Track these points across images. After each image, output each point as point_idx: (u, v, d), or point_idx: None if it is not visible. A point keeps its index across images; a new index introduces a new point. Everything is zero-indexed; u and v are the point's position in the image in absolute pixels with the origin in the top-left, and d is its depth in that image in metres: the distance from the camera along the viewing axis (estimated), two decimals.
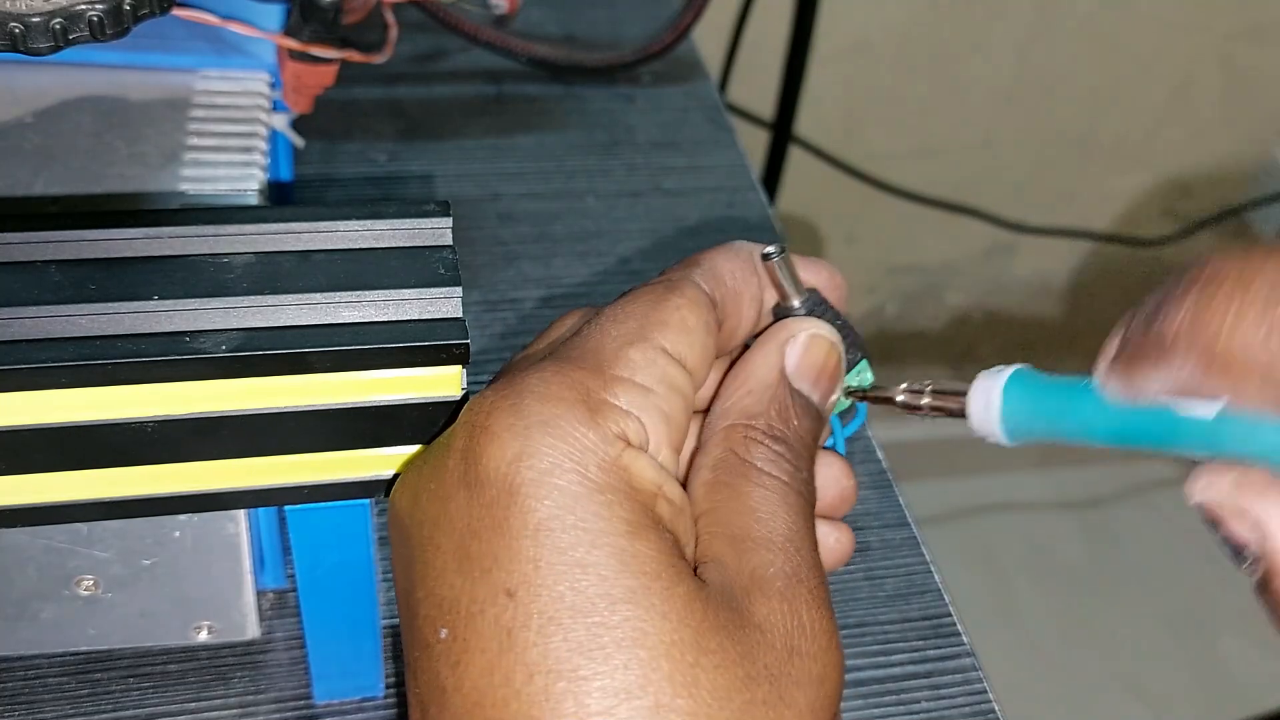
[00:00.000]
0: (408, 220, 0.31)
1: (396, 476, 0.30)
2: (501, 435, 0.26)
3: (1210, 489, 0.26)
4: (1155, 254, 1.41)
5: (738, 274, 0.31)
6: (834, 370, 0.31)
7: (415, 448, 0.30)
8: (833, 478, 0.33)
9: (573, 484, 0.26)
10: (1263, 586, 0.26)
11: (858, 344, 0.33)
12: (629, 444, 0.27)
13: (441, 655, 0.26)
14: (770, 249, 0.31)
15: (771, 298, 0.32)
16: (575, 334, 0.29)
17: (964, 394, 0.30)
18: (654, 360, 0.28)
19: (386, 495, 0.30)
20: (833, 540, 0.33)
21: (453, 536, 0.26)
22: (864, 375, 0.33)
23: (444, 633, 0.26)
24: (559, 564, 0.25)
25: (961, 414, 0.30)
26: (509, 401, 0.26)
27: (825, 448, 0.34)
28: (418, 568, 0.27)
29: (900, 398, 0.31)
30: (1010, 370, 0.29)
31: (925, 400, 0.31)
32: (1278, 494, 0.25)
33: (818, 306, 0.32)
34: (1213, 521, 0.26)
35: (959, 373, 1.51)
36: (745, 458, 0.29)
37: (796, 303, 0.32)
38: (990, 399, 0.29)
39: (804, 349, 0.31)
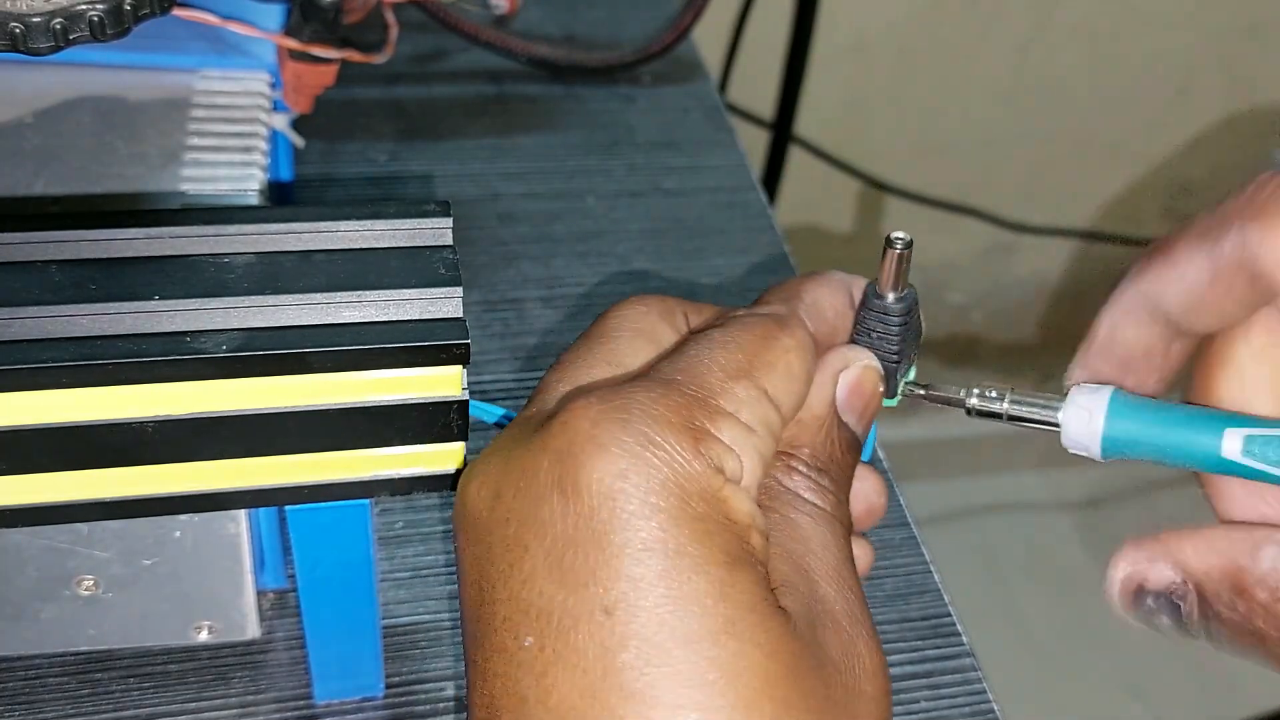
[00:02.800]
0: (408, 220, 0.31)
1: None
2: (610, 448, 0.25)
3: (1123, 562, 0.28)
4: None
5: (839, 309, 0.32)
6: (878, 403, 0.31)
7: (415, 448, 0.30)
8: (862, 493, 0.33)
9: (674, 508, 0.25)
10: (1204, 619, 0.27)
11: (918, 338, 0.33)
12: (727, 479, 0.26)
13: (524, 663, 0.25)
14: (901, 235, 0.30)
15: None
16: (679, 352, 0.29)
17: (1054, 407, 0.30)
18: (758, 400, 0.28)
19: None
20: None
21: (544, 541, 0.26)
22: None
23: (529, 641, 0.25)
24: (659, 587, 0.25)
25: (1048, 425, 0.30)
26: (617, 415, 0.26)
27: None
28: (500, 567, 0.26)
29: (974, 402, 0.31)
30: (1109, 390, 0.29)
31: (1004, 408, 0.31)
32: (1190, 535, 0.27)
33: (915, 307, 0.32)
34: (1136, 592, 0.29)
35: (959, 373, 1.51)
36: (788, 486, 0.29)
37: (891, 297, 0.31)
38: (1093, 417, 0.29)
39: (856, 381, 0.31)
